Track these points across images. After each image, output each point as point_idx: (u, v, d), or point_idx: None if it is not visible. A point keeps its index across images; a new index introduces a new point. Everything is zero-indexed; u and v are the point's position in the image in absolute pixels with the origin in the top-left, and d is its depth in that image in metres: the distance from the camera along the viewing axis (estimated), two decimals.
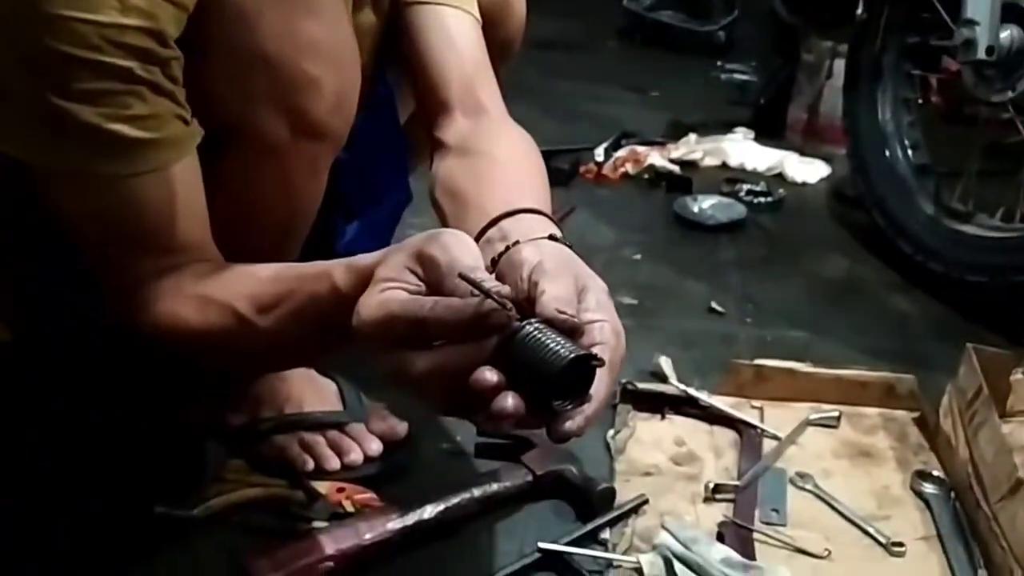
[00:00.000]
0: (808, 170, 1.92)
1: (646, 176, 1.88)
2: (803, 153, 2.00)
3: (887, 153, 1.58)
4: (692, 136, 2.03)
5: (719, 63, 2.66)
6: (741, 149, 1.99)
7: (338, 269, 0.68)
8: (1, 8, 0.68)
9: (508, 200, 0.79)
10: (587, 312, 0.65)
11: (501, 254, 0.71)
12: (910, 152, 1.58)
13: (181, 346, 0.79)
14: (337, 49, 0.82)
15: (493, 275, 0.64)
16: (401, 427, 1.01)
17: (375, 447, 0.99)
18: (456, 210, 0.85)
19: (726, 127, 2.14)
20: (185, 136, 0.76)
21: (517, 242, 0.71)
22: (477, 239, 0.74)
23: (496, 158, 0.89)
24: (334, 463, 0.96)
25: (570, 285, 0.66)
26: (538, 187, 0.86)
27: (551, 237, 0.73)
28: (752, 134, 2.09)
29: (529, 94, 2.43)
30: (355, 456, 0.97)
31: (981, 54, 1.34)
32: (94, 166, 0.72)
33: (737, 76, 2.53)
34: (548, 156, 1.83)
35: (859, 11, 1.63)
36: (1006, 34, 1.35)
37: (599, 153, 1.92)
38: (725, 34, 2.76)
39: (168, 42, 0.72)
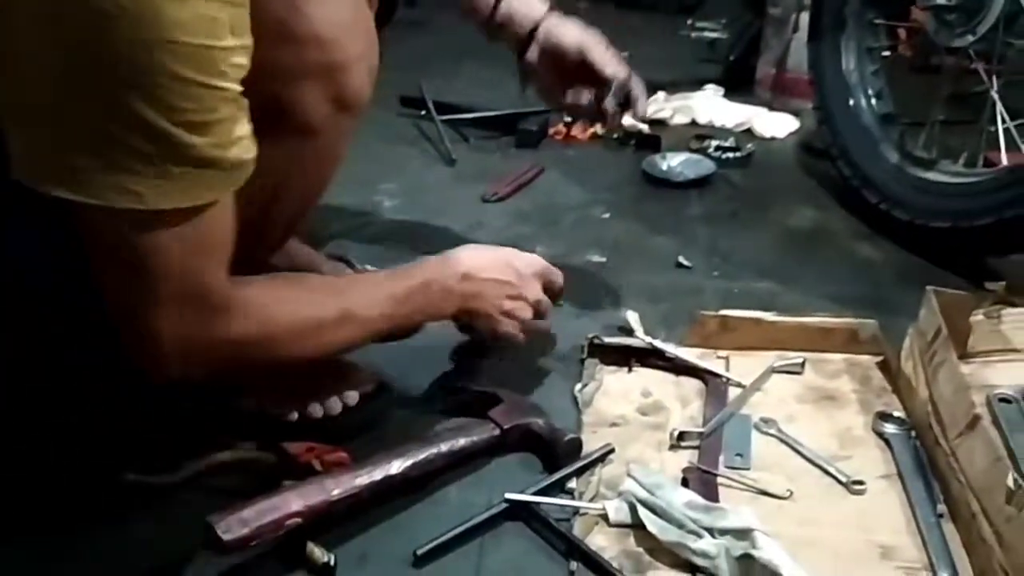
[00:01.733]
0: (777, 124, 1.92)
1: (615, 136, 1.88)
2: (772, 108, 2.00)
3: (851, 103, 1.58)
4: (661, 94, 2.03)
5: (689, 21, 2.64)
6: (710, 106, 1.99)
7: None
8: (120, 36, 0.63)
9: None
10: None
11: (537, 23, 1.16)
12: (874, 101, 1.58)
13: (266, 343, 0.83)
14: (366, 27, 0.86)
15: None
16: (373, 380, 1.03)
17: (352, 396, 1.00)
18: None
19: (696, 84, 2.13)
20: (249, 165, 0.75)
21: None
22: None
23: None
24: (318, 412, 0.99)
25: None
26: None
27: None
28: (721, 91, 2.09)
29: (500, 56, 2.39)
30: (335, 406, 0.99)
31: None
32: (197, 197, 0.71)
33: (707, 34, 2.52)
34: (517, 118, 1.88)
35: None
36: None
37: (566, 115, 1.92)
38: None
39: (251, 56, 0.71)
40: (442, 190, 1.66)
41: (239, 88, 0.70)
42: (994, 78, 1.39)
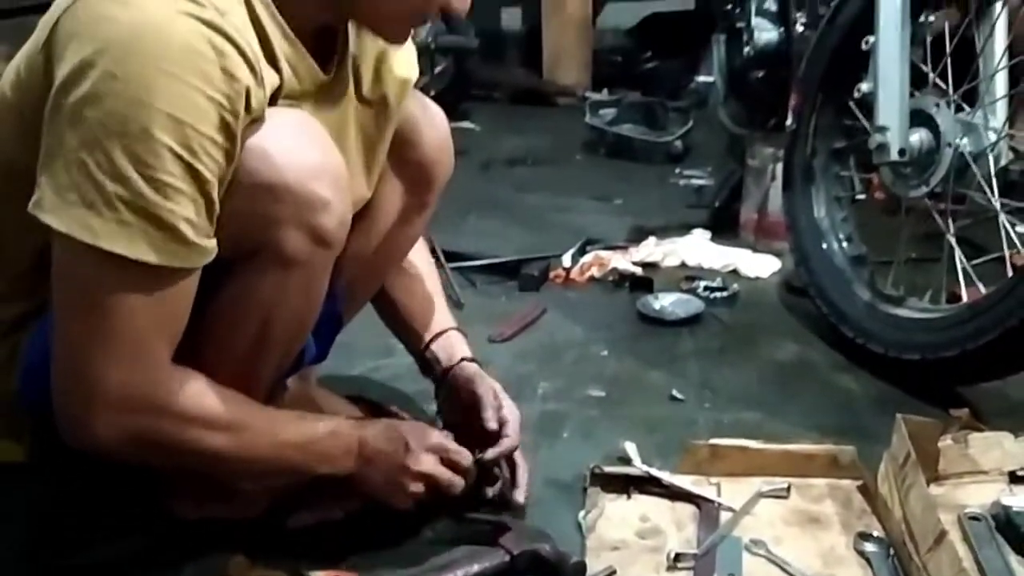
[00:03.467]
0: (760, 265, 2.07)
1: (611, 278, 2.02)
2: (755, 249, 2.16)
3: (825, 246, 1.73)
4: (652, 239, 2.19)
5: (677, 170, 2.85)
6: (698, 249, 2.15)
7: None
8: (123, 95, 0.80)
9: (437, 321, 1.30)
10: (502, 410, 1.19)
11: (447, 369, 1.26)
12: (845, 244, 1.73)
13: (199, 434, 0.93)
14: (336, 170, 0.96)
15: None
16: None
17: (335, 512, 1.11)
18: (396, 326, 1.32)
19: (684, 229, 2.30)
20: (212, 250, 0.88)
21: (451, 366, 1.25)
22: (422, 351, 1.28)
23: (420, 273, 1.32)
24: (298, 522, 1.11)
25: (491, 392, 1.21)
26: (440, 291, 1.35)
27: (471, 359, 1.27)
28: (708, 234, 2.26)
29: (502, 207, 2.61)
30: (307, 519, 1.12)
31: (894, 156, 1.50)
32: (144, 253, 0.83)
33: (694, 181, 2.71)
34: (519, 264, 2.03)
35: (789, 122, 1.81)
36: (915, 137, 1.52)
37: (566, 259, 2.07)
38: (681, 143, 2.96)
39: (232, 165, 0.86)
40: None
41: (210, 179, 0.84)
42: (950, 222, 1.54)
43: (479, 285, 2.00)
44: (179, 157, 0.82)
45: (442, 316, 1.31)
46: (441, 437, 1.10)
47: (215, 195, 0.86)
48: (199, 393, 0.93)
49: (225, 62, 0.84)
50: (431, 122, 1.22)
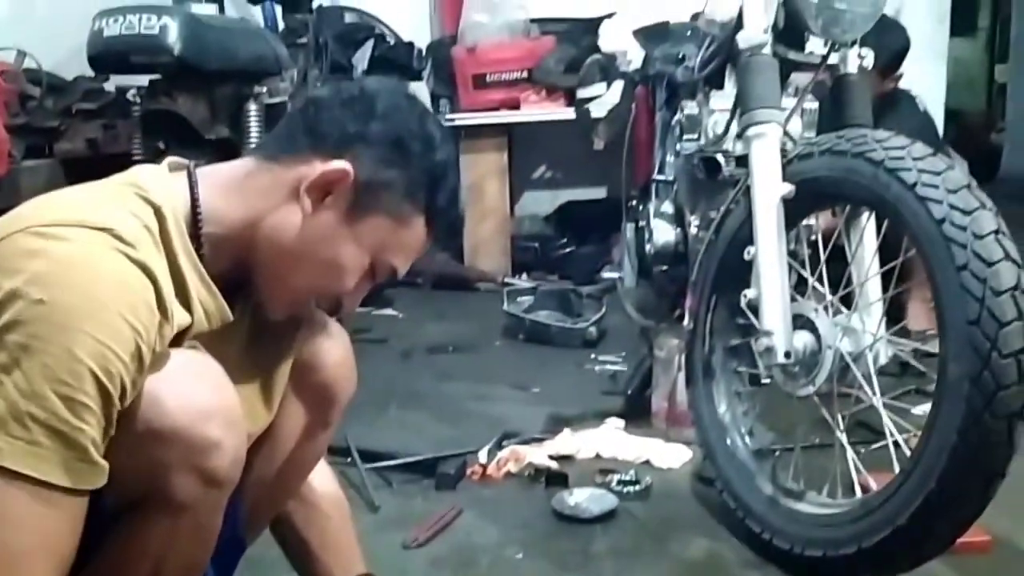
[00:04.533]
0: (672, 456, 2.12)
1: (527, 473, 2.04)
2: (667, 438, 2.21)
3: (728, 441, 1.80)
4: (567, 431, 2.23)
5: (593, 355, 2.94)
6: (612, 440, 2.20)
7: None
8: (49, 319, 0.84)
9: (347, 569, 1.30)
10: None
11: None
12: (747, 438, 1.80)
13: None
14: (229, 409, 0.98)
15: None
16: None
17: None
18: (304, 567, 1.31)
19: (600, 417, 2.35)
20: (106, 472, 0.89)
21: None
22: None
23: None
24: None
25: None
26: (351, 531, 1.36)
27: None
28: (622, 423, 2.31)
29: (422, 399, 2.63)
30: None
31: (780, 359, 1.60)
32: (48, 473, 0.84)
33: (609, 367, 2.80)
34: (436, 461, 2.04)
35: (687, 322, 1.91)
36: (799, 340, 1.62)
37: (483, 455, 2.09)
38: (596, 329, 3.07)
39: (132, 394, 0.89)
40: (366, 538, 1.74)
41: (116, 404, 0.87)
42: (839, 418, 1.62)
43: (395, 484, 2.00)
44: (96, 378, 0.85)
45: (353, 562, 1.33)
46: None
47: (114, 419, 0.89)
48: None
49: (148, 296, 0.90)
50: (332, 342, 1.26)
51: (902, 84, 3.10)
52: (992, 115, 7.71)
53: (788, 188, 1.62)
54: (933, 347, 1.47)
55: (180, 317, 0.96)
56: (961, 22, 6.04)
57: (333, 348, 1.25)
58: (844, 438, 1.60)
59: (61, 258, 0.87)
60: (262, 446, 1.19)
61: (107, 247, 0.89)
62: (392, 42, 4.18)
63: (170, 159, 1.06)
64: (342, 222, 1.03)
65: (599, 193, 4.41)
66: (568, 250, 4.07)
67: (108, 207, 0.93)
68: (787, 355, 1.60)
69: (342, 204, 1.03)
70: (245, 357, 1.12)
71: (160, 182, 1.00)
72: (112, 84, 2.88)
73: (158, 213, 0.96)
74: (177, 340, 0.98)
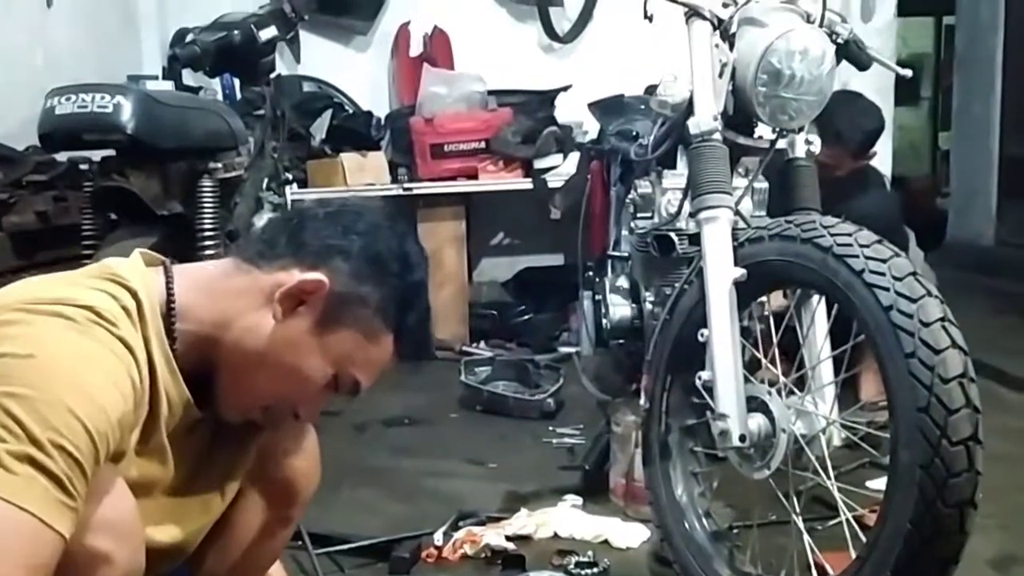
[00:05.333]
0: (630, 535, 2.10)
1: (483, 556, 2.00)
2: (626, 515, 2.19)
3: (686, 524, 1.78)
4: (524, 511, 2.20)
5: (550, 427, 2.92)
6: (569, 519, 2.17)
7: None
8: (42, 368, 0.84)
9: None
10: None
11: None
12: (704, 521, 1.79)
13: None
14: (123, 523, 0.96)
15: None
16: None
17: None
18: None
19: (558, 494, 2.33)
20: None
21: None
22: None
23: None
24: None
25: None
26: None
27: None
28: (580, 500, 2.29)
29: (376, 475, 2.59)
30: None
31: (735, 442, 1.60)
32: (45, 510, 0.85)
33: (567, 440, 2.78)
34: (391, 545, 1.99)
35: (643, 401, 1.91)
36: (754, 422, 1.63)
37: (438, 537, 2.05)
38: (553, 401, 3.05)
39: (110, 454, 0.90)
40: None
41: (100, 464, 0.87)
42: (795, 501, 1.62)
43: (348, 570, 1.95)
44: (89, 433, 0.86)
45: None
46: None
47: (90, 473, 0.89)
48: None
49: (131, 369, 0.92)
50: (297, 435, 1.25)
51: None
52: (937, 181, 7.95)
53: (740, 272, 1.64)
54: (885, 415, 1.47)
55: (154, 396, 0.98)
56: (905, 93, 6.27)
57: (297, 442, 1.24)
58: (800, 521, 1.60)
59: (47, 326, 0.88)
60: (217, 539, 1.16)
61: (89, 321, 0.90)
62: (351, 111, 4.22)
63: (143, 251, 1.08)
64: (311, 332, 1.05)
65: (557, 260, 4.44)
66: (526, 317, 4.07)
67: (86, 289, 0.95)
68: (742, 438, 1.60)
69: (314, 314, 1.05)
70: (209, 449, 1.12)
71: (136, 273, 1.02)
72: (64, 154, 2.85)
73: (135, 297, 0.98)
74: (148, 427, 0.99)
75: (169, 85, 3.05)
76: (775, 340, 1.70)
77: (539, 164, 3.92)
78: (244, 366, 1.05)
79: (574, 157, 3.60)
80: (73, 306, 0.91)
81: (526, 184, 3.94)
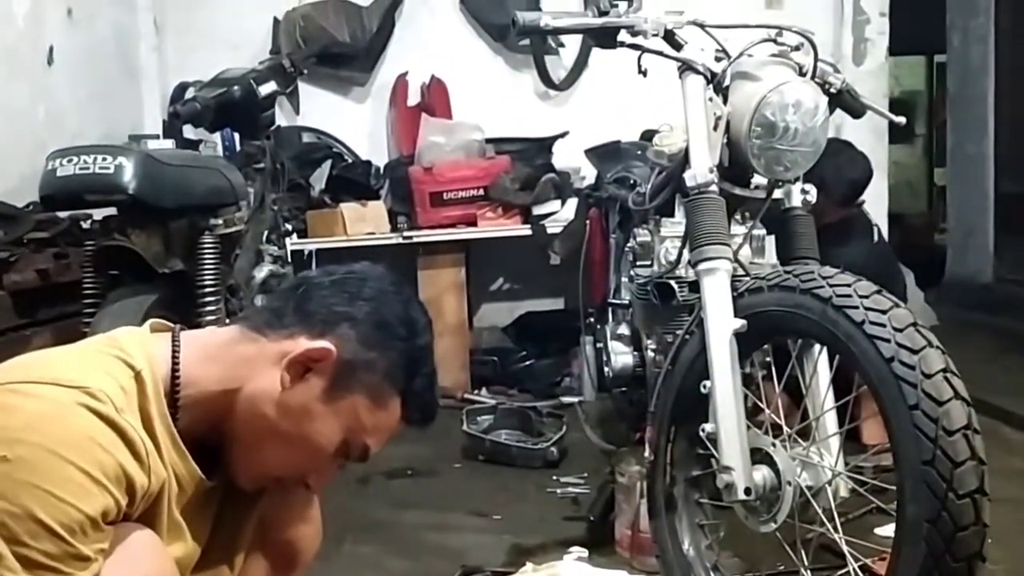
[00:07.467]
0: None
1: None
2: (632, 568, 2.17)
3: None
4: (529, 564, 2.17)
5: (554, 476, 2.89)
6: (575, 573, 2.14)
7: None
8: (10, 476, 0.84)
9: None
10: None
11: None
12: (712, 574, 1.77)
13: None
14: None
15: None
16: None
17: None
18: None
19: (563, 546, 2.29)
20: None
21: None
22: None
23: None
24: None
25: None
26: None
27: None
28: (585, 552, 2.25)
29: (377, 529, 2.56)
30: None
31: (741, 495, 1.59)
32: None
33: (571, 489, 2.76)
34: None
35: (647, 453, 1.90)
36: (759, 475, 1.62)
37: None
38: (557, 449, 3.03)
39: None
40: None
41: (92, 556, 0.86)
42: (803, 554, 1.60)
43: None
44: (58, 536, 0.84)
45: None
46: None
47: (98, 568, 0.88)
48: None
49: (117, 454, 0.90)
50: (299, 499, 1.25)
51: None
52: (933, 217, 7.98)
53: (740, 323, 1.64)
54: (890, 458, 1.46)
55: (154, 477, 0.96)
56: (899, 130, 6.28)
57: (298, 505, 1.24)
58: (808, 574, 1.58)
59: (30, 415, 0.88)
60: None
61: (77, 404, 0.89)
62: (350, 161, 4.25)
63: (154, 320, 1.09)
64: (320, 399, 1.06)
65: (557, 304, 4.45)
66: (528, 363, 4.06)
67: (84, 367, 0.95)
68: (747, 491, 1.59)
69: (322, 382, 1.05)
70: (220, 517, 1.12)
71: (141, 345, 1.02)
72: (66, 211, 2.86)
73: (137, 377, 0.98)
74: (157, 502, 0.99)
75: (170, 143, 3.07)
76: (777, 389, 1.70)
77: (538, 211, 3.94)
78: (254, 435, 1.05)
79: (572, 203, 3.63)
80: (65, 387, 0.90)
81: (525, 230, 3.96)
